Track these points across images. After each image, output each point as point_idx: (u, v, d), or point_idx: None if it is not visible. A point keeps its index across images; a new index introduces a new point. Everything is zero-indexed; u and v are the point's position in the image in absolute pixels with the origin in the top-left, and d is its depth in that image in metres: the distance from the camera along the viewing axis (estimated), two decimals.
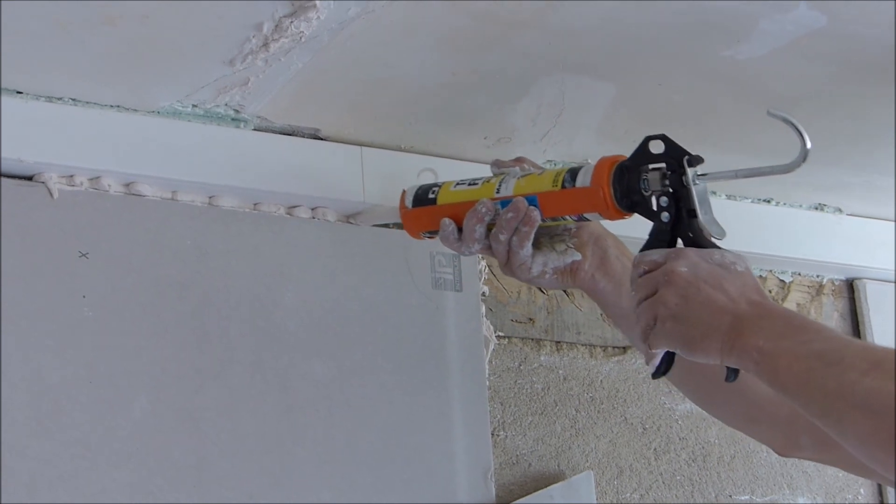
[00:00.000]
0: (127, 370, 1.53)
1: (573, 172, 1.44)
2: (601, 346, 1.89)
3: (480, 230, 1.48)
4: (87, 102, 1.57)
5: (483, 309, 1.79)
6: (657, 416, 1.90)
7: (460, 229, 1.50)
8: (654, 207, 1.38)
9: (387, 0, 1.41)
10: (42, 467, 1.46)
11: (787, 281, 2.07)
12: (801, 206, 2.03)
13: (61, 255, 1.53)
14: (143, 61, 1.50)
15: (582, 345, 1.88)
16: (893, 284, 2.10)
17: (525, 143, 1.76)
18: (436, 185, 1.56)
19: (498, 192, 1.49)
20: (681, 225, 1.37)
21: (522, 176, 1.49)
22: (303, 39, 1.45)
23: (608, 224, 1.50)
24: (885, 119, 1.72)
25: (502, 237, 1.47)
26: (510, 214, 1.46)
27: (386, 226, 1.72)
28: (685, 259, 1.32)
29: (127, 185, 1.60)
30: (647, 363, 1.37)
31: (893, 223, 2.08)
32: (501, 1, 1.44)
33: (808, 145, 1.31)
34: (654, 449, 1.88)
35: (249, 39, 1.46)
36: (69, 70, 1.51)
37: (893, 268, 2.05)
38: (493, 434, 1.75)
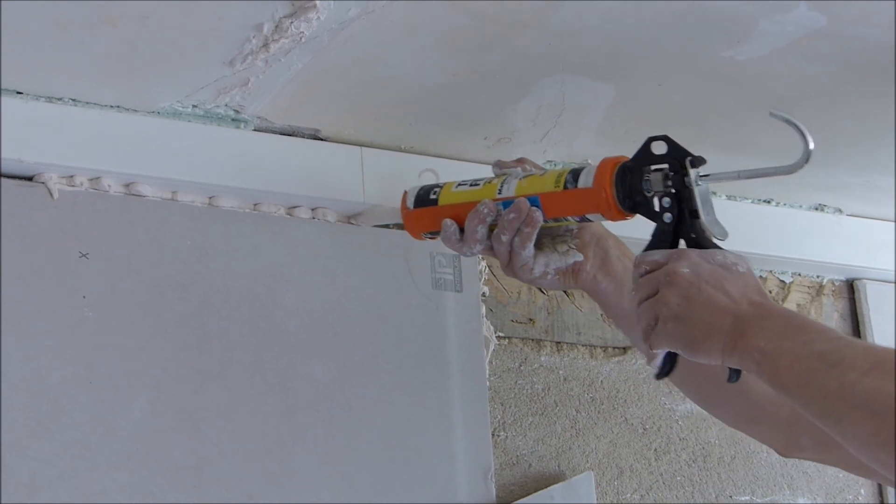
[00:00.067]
0: (127, 370, 1.53)
1: (575, 173, 1.44)
2: (601, 347, 1.89)
3: (482, 231, 1.48)
4: (88, 103, 1.57)
5: (483, 309, 1.79)
6: (657, 416, 1.90)
7: (462, 230, 1.50)
8: (657, 208, 1.38)
9: (387, 0, 1.41)
10: (42, 467, 1.46)
11: (787, 281, 2.07)
12: (801, 206, 2.03)
13: (61, 255, 1.53)
14: (143, 62, 1.50)
15: (582, 345, 1.88)
16: (893, 285, 2.10)
17: (525, 143, 1.76)
18: (437, 185, 1.56)
19: (500, 193, 1.49)
20: (683, 226, 1.36)
21: (524, 177, 1.49)
22: (303, 40, 1.45)
23: (609, 225, 1.50)
24: (885, 119, 1.72)
25: (504, 238, 1.47)
26: (512, 215, 1.46)
27: (386, 226, 1.72)
28: (687, 260, 1.32)
29: (127, 185, 1.59)
30: (649, 363, 1.37)
31: (893, 223, 2.08)
32: (501, 1, 1.44)
33: (811, 146, 1.31)
34: (655, 449, 1.88)
35: (249, 40, 1.46)
36: (69, 70, 1.50)
37: (893, 268, 2.05)
38: (493, 434, 1.75)
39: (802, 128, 1.31)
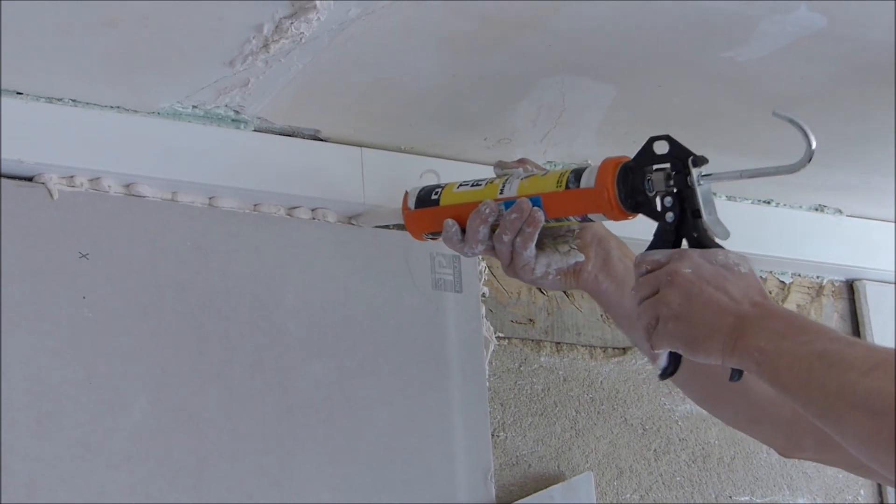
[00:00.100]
0: (127, 371, 1.53)
1: (577, 173, 1.44)
2: (601, 347, 1.89)
3: (484, 231, 1.48)
4: (88, 103, 1.57)
5: (483, 310, 1.79)
6: (657, 416, 1.90)
7: (463, 230, 1.50)
8: (659, 208, 1.39)
9: (387, 1, 1.41)
10: (42, 468, 1.46)
11: (787, 282, 2.07)
12: (801, 207, 2.03)
13: (61, 255, 1.53)
14: (143, 62, 1.50)
15: (582, 346, 1.88)
16: (893, 285, 2.10)
17: (525, 144, 1.76)
18: (439, 186, 1.56)
19: (501, 193, 1.49)
20: (685, 225, 1.37)
21: (526, 177, 1.49)
22: (303, 40, 1.45)
23: (611, 225, 1.50)
24: (886, 120, 1.72)
25: (506, 238, 1.47)
26: (514, 215, 1.46)
27: (386, 227, 1.72)
28: (688, 259, 1.32)
29: (127, 185, 1.59)
30: (652, 363, 1.37)
31: (893, 224, 2.08)
32: (502, 2, 1.44)
33: (813, 146, 1.31)
34: (654, 450, 1.88)
35: (250, 40, 1.46)
36: (70, 71, 1.50)
37: (893, 269, 2.05)
38: (493, 435, 1.75)
39: (806, 127, 1.31)
